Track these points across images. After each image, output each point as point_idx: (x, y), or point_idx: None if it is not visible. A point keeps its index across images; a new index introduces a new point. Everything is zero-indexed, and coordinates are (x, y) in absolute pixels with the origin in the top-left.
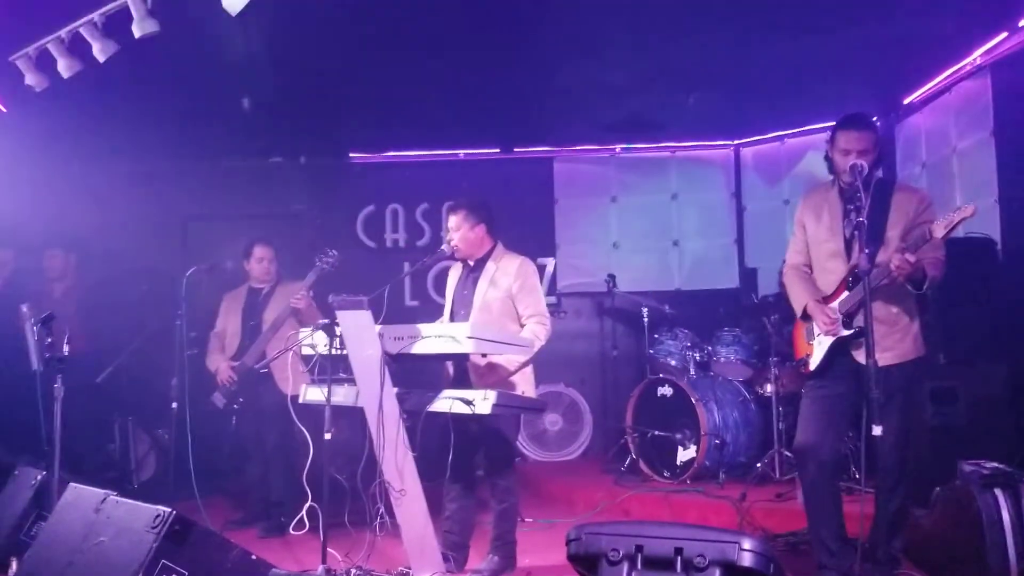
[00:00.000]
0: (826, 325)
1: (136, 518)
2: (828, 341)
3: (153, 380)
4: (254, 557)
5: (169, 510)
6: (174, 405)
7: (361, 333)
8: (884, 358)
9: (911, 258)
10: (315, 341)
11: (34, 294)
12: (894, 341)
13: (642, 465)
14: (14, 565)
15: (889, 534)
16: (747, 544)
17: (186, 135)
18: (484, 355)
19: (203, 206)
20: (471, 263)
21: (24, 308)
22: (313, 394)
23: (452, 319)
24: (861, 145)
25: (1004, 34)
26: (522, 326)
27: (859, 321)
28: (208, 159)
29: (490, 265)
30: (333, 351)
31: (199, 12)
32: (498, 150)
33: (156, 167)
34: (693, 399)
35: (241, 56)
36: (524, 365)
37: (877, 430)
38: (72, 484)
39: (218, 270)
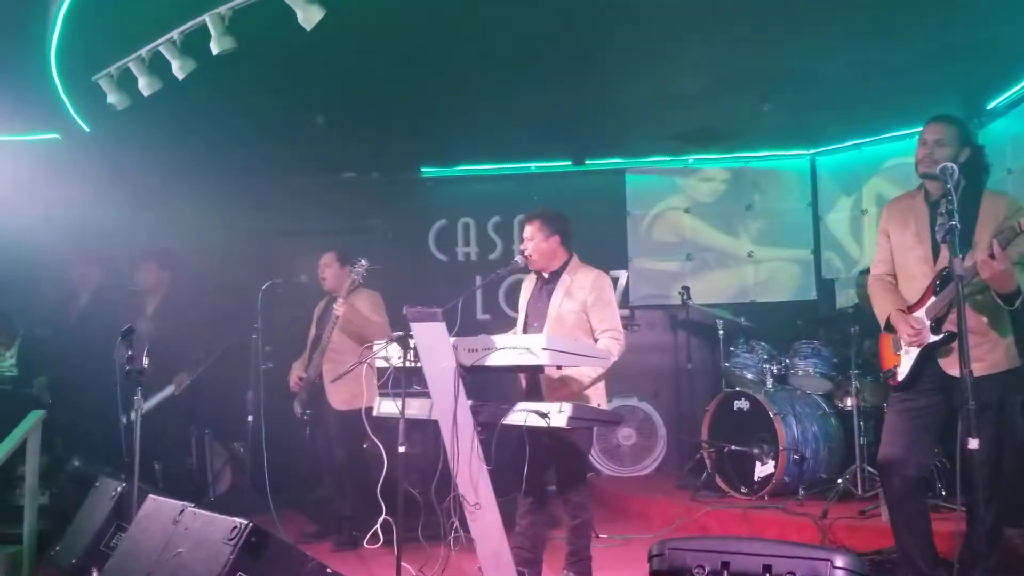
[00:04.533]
0: (910, 336)
1: (213, 529)
2: (916, 351)
3: (230, 394)
4: (329, 570)
5: (246, 522)
6: (250, 419)
7: (435, 345)
8: (974, 368)
9: (998, 250)
10: (389, 353)
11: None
12: (984, 351)
13: (719, 480)
14: (95, 575)
15: (982, 554)
16: (840, 561)
17: (261, 152)
18: (558, 367)
19: (279, 222)
20: (545, 275)
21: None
22: (387, 407)
23: (525, 331)
24: (933, 136)
25: None
26: (596, 340)
27: (947, 327)
28: (283, 176)
29: (565, 277)
30: (407, 363)
31: (275, 29)
32: (569, 162)
33: (233, 184)
34: (771, 413)
35: (315, 73)
36: (598, 379)
37: (973, 443)
38: (151, 496)
39: (293, 284)
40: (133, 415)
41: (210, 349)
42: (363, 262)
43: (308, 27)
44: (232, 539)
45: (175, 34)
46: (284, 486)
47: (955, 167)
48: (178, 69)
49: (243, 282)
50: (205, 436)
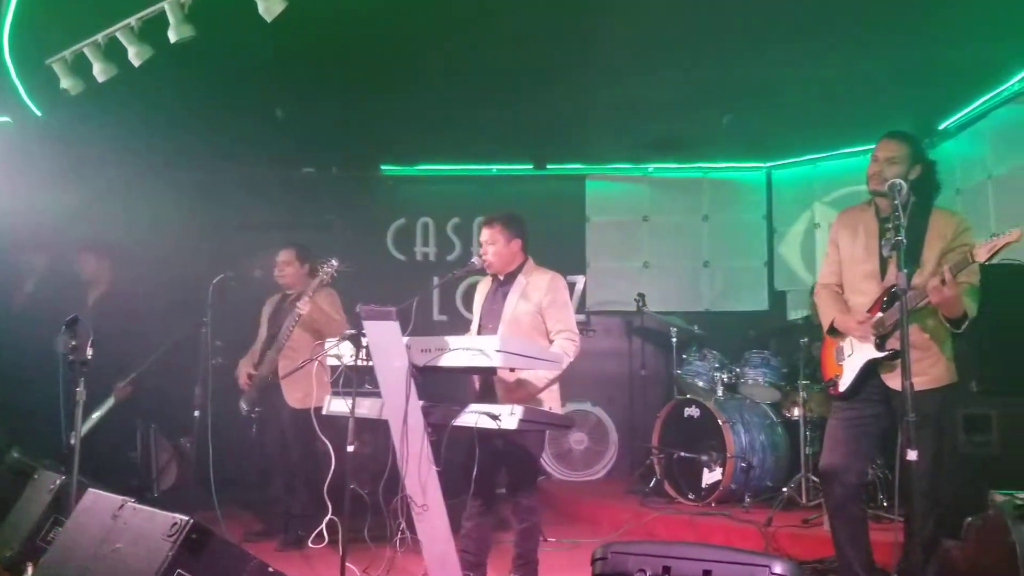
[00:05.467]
0: (858, 329)
1: (154, 526)
2: (859, 362)
3: (178, 388)
4: (271, 569)
5: (187, 518)
6: (196, 414)
7: (388, 344)
8: (916, 383)
9: (949, 277)
10: (341, 351)
11: (67, 300)
12: (926, 366)
13: (667, 486)
14: (30, 570)
15: (920, 564)
16: (778, 568)
17: (218, 144)
18: (512, 370)
19: (234, 215)
20: (501, 277)
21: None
22: (337, 405)
23: (480, 333)
24: (886, 153)
25: None
26: (551, 342)
27: (892, 344)
28: (239, 168)
29: (521, 279)
30: (359, 362)
31: (235, 19)
32: (531, 166)
33: (188, 176)
34: (720, 421)
35: (275, 65)
36: (553, 382)
37: (912, 455)
38: (91, 489)
39: (246, 278)
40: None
41: (158, 343)
42: (333, 262)
43: (269, 18)
44: (172, 536)
45: (133, 20)
46: (231, 483)
47: (903, 184)
48: (134, 56)
49: (195, 275)
50: (151, 430)
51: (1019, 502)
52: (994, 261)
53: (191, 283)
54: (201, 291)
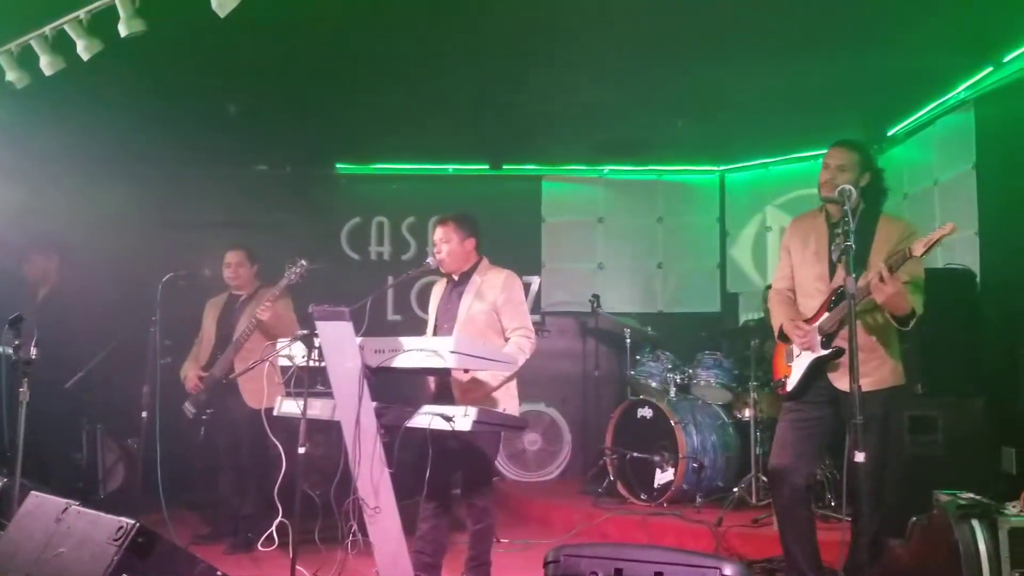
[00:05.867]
0: (800, 338)
1: (98, 529)
2: (806, 363)
3: (125, 388)
4: (219, 573)
5: (132, 522)
6: (144, 414)
7: (341, 345)
8: (862, 384)
9: (886, 274)
10: (292, 352)
11: (16, 298)
12: (872, 367)
13: (620, 487)
14: None
15: (866, 563)
16: (728, 570)
17: (169, 138)
18: (466, 370)
19: (185, 213)
20: (455, 277)
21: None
22: (288, 406)
23: (435, 333)
24: (837, 160)
25: (989, 69)
26: (507, 340)
27: (837, 343)
28: (191, 164)
29: (475, 278)
30: (311, 363)
31: (188, 13)
32: (487, 166)
33: (138, 170)
34: (672, 421)
35: (229, 61)
36: (508, 380)
37: (859, 456)
38: (33, 492)
39: (196, 277)
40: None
41: (105, 342)
42: (303, 263)
43: (222, 14)
44: (117, 539)
45: (82, 13)
46: (180, 485)
47: (852, 190)
48: (83, 50)
49: (144, 273)
50: (97, 431)
51: (962, 502)
52: (939, 265)
53: (140, 282)
54: (150, 290)
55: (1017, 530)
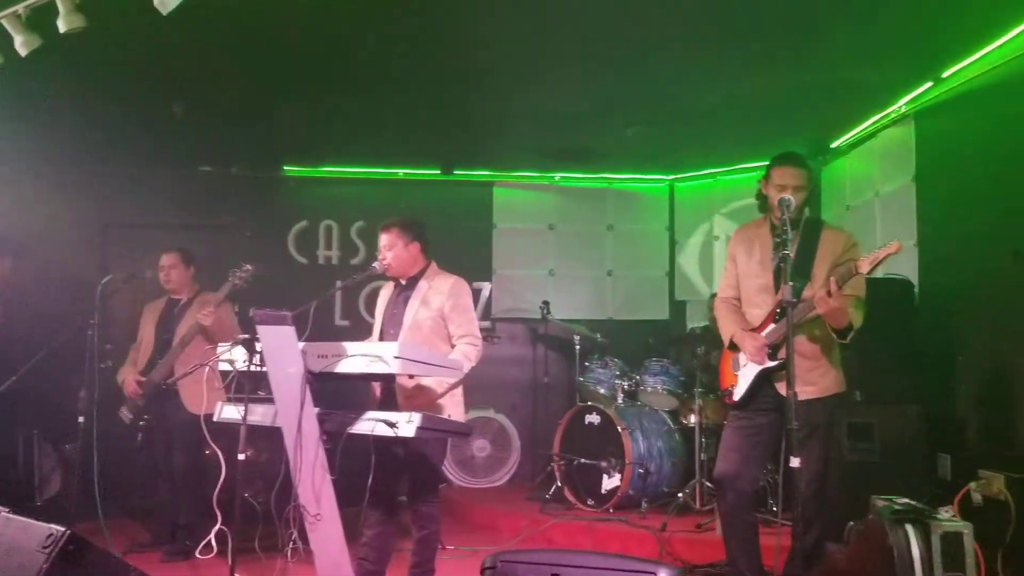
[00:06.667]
0: (753, 352)
1: (28, 537)
2: (753, 372)
3: (63, 393)
4: None
5: (63, 529)
6: (81, 420)
7: (283, 350)
8: (806, 392)
9: (834, 289)
10: (233, 356)
11: None
12: (817, 376)
13: (567, 493)
14: None
15: (804, 567)
16: (663, 574)
17: (112, 138)
18: (411, 376)
19: (127, 214)
20: (403, 282)
21: None
22: (229, 412)
23: (382, 338)
24: (795, 181)
25: (929, 84)
26: (453, 346)
27: (783, 353)
28: (133, 164)
29: (422, 284)
30: (252, 368)
31: (130, 11)
32: (438, 171)
33: (79, 171)
34: (619, 428)
35: (173, 60)
36: (454, 387)
37: (795, 462)
38: None
39: (136, 280)
40: None
41: (43, 345)
42: (247, 267)
43: (164, 11)
44: (47, 547)
45: (20, 8)
46: (118, 492)
47: (792, 200)
48: (21, 45)
49: (84, 275)
50: (33, 437)
51: (897, 507)
52: (879, 275)
53: (80, 284)
54: (89, 292)
55: (949, 535)
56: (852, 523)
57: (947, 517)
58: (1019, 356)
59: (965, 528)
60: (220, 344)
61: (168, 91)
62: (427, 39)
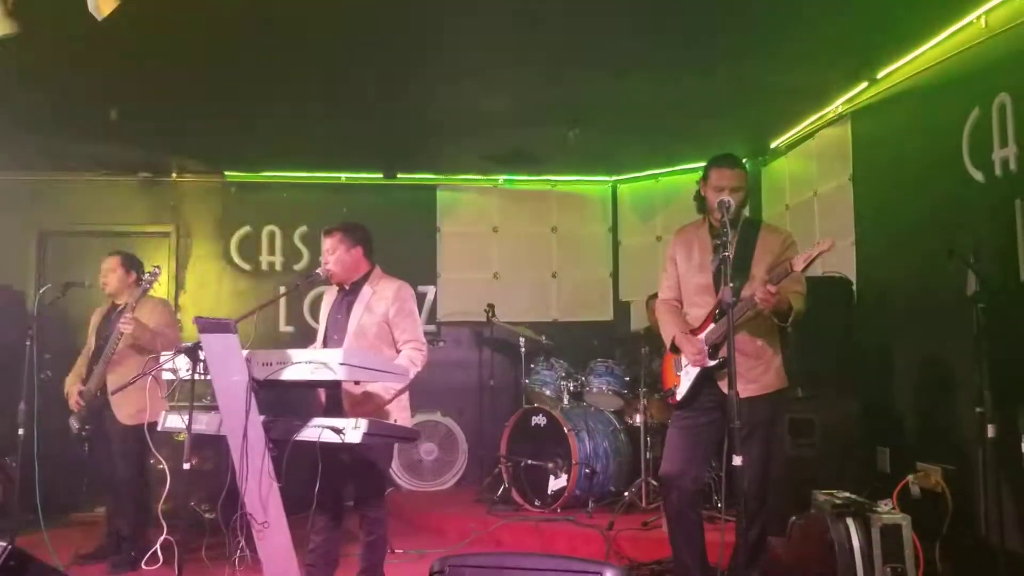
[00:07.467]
0: (694, 356)
1: None
2: (695, 372)
3: (1, 404)
4: None
5: (3, 544)
6: (21, 431)
7: (227, 357)
8: (748, 389)
9: (772, 289)
10: (176, 365)
11: None
12: (758, 373)
13: (515, 494)
14: None
15: (748, 562)
16: (608, 574)
17: (48, 145)
18: (357, 382)
19: (64, 221)
20: (347, 287)
21: None
22: (173, 421)
23: (326, 344)
24: (733, 183)
25: (864, 84)
26: (398, 351)
27: (724, 352)
28: (71, 171)
29: (366, 289)
30: (196, 376)
31: (65, 16)
32: (380, 175)
33: (14, 178)
34: (565, 429)
35: (109, 65)
36: (400, 393)
37: (738, 460)
38: None
39: (75, 288)
40: None
41: None
42: (156, 269)
43: (99, 17)
44: None
45: None
46: (60, 504)
47: (731, 202)
48: None
49: (20, 284)
50: None
51: (838, 501)
52: (817, 273)
53: (16, 294)
54: (27, 301)
55: (889, 527)
56: (794, 517)
57: (886, 510)
58: (954, 351)
59: (904, 520)
60: (163, 352)
61: (105, 97)
62: (365, 42)
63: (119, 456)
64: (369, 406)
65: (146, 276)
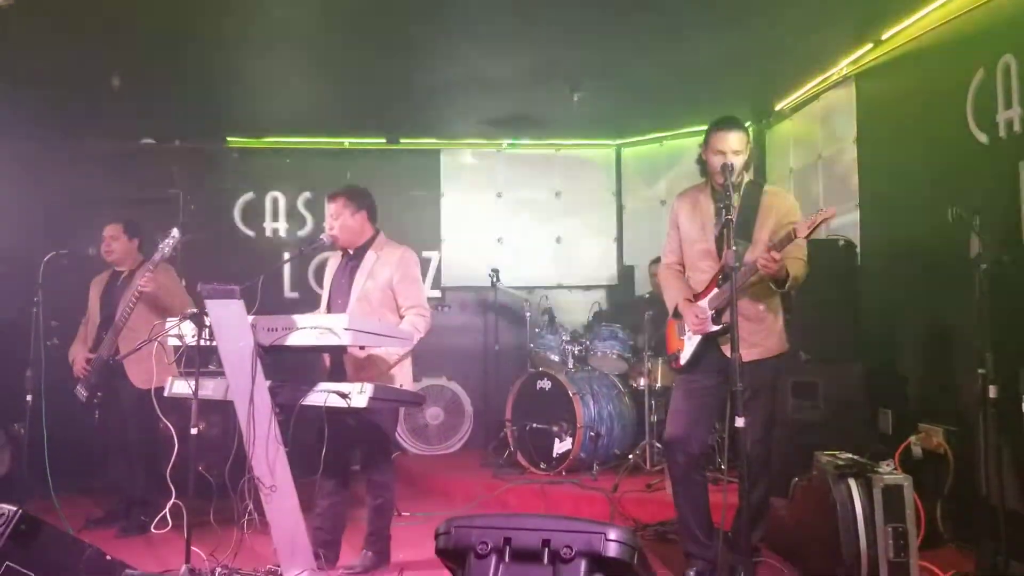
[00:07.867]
0: (695, 324)
1: None
2: (698, 337)
3: (9, 372)
4: (109, 557)
5: (14, 509)
6: (29, 398)
7: (232, 323)
8: (751, 353)
9: (776, 255)
10: (183, 331)
11: None
12: (761, 337)
13: (520, 458)
14: None
15: (751, 523)
16: (612, 535)
17: (50, 112)
18: (362, 347)
19: (68, 189)
20: (351, 252)
21: None
22: (180, 387)
23: (330, 310)
24: (734, 146)
25: (869, 46)
26: (401, 317)
27: (727, 317)
28: (74, 139)
29: (370, 255)
30: (202, 342)
31: None
32: (384, 140)
33: (17, 147)
34: (570, 392)
35: (110, 30)
36: (403, 358)
37: (740, 422)
38: None
39: (80, 255)
40: None
41: None
42: (175, 232)
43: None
44: None
45: None
46: (70, 470)
47: (733, 164)
48: None
49: (26, 253)
50: None
51: (840, 462)
52: (821, 236)
53: (22, 262)
54: (32, 270)
55: (890, 487)
56: (797, 479)
57: (888, 471)
58: (956, 313)
59: (905, 481)
60: (169, 317)
61: (107, 62)
62: (365, 5)
63: (133, 421)
64: (372, 371)
65: (168, 240)
